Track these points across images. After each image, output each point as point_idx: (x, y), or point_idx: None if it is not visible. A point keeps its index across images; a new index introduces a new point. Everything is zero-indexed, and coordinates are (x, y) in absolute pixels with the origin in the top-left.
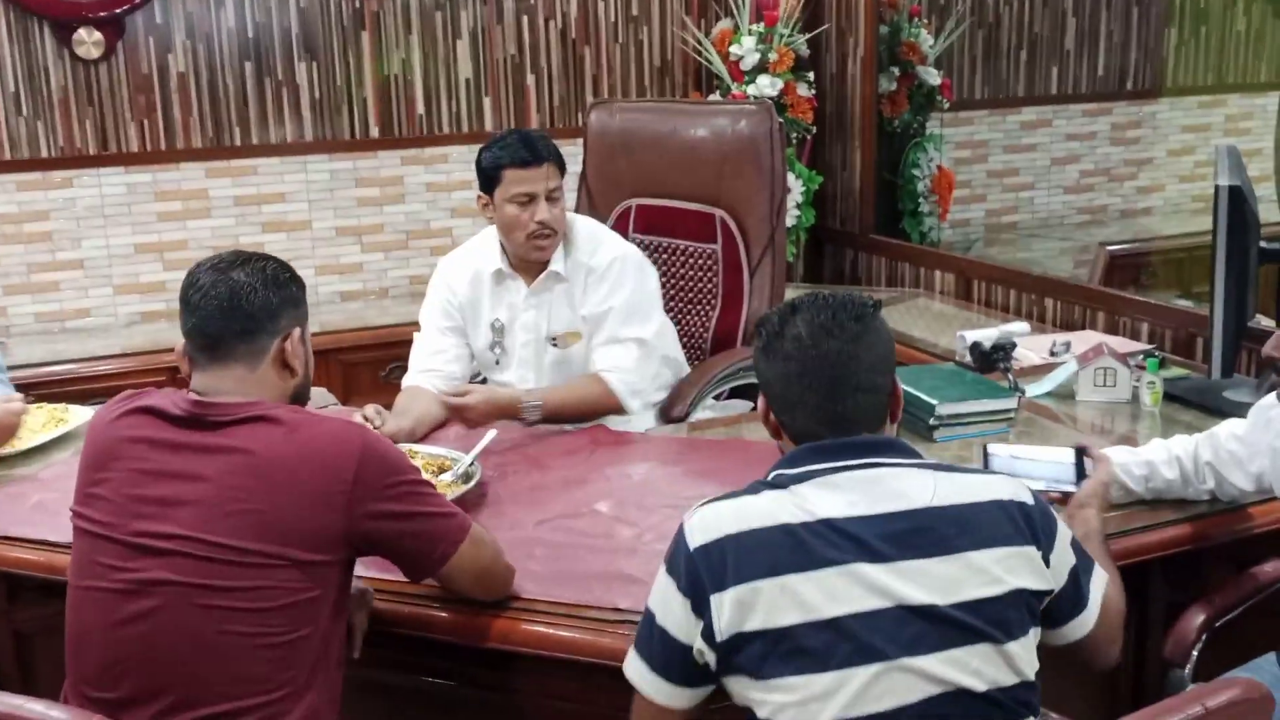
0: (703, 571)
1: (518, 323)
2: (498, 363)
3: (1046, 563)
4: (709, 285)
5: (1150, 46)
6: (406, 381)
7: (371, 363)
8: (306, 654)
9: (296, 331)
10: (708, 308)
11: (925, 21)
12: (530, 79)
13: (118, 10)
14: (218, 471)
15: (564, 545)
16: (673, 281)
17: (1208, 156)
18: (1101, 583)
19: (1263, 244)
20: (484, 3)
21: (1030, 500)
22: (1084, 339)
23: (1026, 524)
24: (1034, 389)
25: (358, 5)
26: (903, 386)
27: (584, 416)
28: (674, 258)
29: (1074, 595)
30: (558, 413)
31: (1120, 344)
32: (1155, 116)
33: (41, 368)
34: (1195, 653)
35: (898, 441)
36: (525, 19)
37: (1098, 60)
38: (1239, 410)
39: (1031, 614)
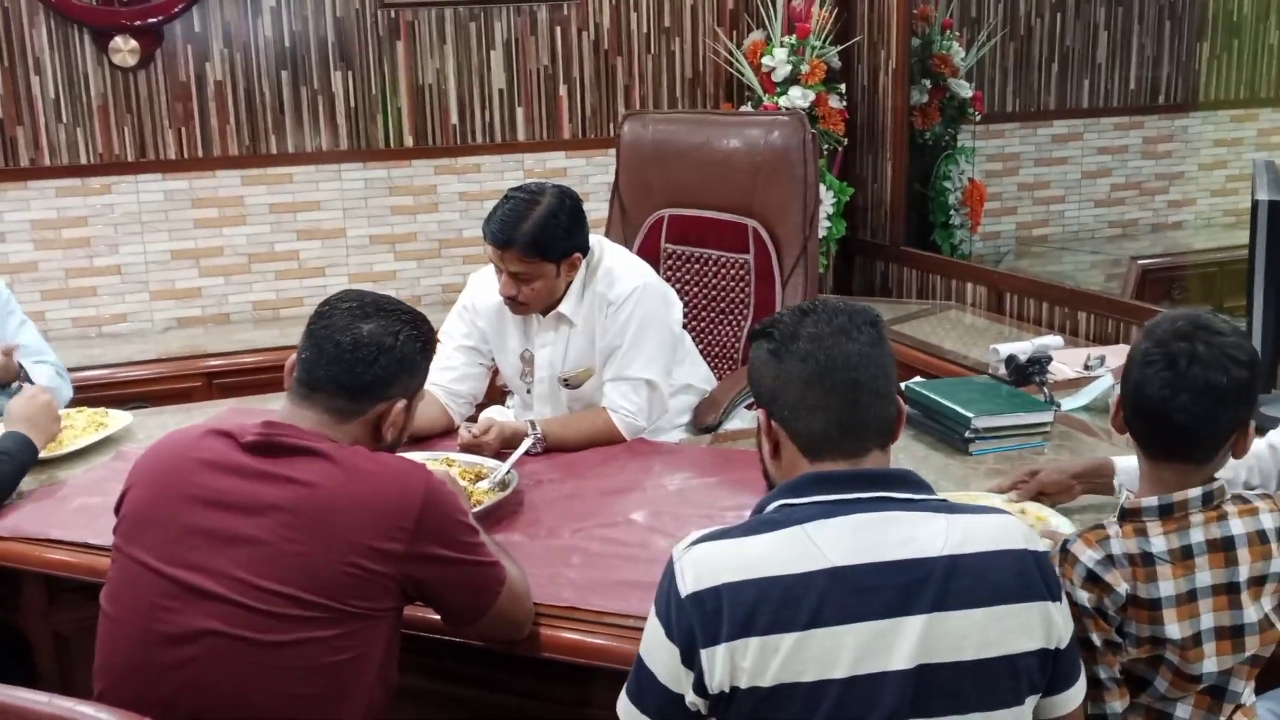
0: (695, 622)
1: (536, 358)
2: (529, 391)
3: (1057, 616)
4: (741, 295)
5: (1182, 60)
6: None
7: None
8: (349, 713)
9: (402, 403)
10: (739, 317)
11: (957, 34)
12: (563, 89)
13: (155, 19)
14: (275, 507)
15: (600, 554)
16: (705, 291)
17: (1240, 171)
18: (1083, 691)
19: None
20: (518, 14)
21: (1041, 548)
22: (1119, 353)
23: (1040, 576)
24: (1069, 403)
25: (393, 15)
26: (936, 398)
27: (587, 447)
28: (706, 267)
29: (1071, 660)
30: (560, 445)
31: None
32: (1187, 130)
33: (78, 372)
34: None
35: (909, 474)
36: (558, 30)
37: (1129, 73)
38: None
39: (1030, 681)
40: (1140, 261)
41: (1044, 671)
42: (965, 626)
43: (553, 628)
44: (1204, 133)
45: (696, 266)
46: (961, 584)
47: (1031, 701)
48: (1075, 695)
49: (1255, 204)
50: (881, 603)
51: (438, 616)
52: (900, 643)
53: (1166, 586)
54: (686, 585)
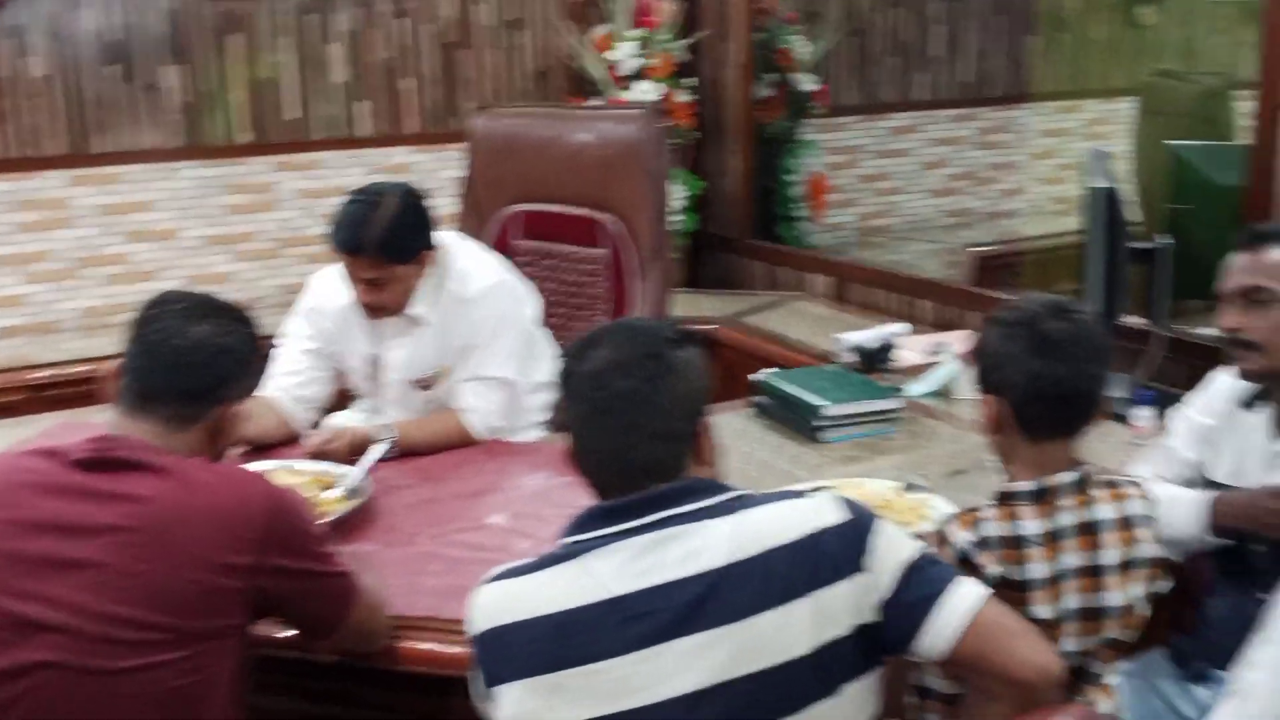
0: (483, 659)
1: (385, 361)
2: (379, 394)
3: (866, 579)
4: (597, 290)
5: (1013, 54)
6: (261, 391)
7: None
8: None
9: (239, 405)
10: (596, 313)
11: (800, 29)
12: (406, 83)
13: None
14: (111, 527)
15: (459, 560)
16: (560, 287)
17: (1068, 160)
18: (973, 593)
19: (1132, 244)
20: (359, 5)
21: (838, 518)
22: (961, 339)
23: (840, 548)
24: (915, 389)
25: (228, 6)
26: (788, 388)
27: (441, 450)
28: (561, 263)
29: (917, 592)
30: (412, 448)
31: None
32: (1017, 121)
33: None
34: None
35: (696, 482)
36: (401, 22)
37: (965, 67)
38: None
39: (846, 666)
40: (974, 249)
41: (863, 648)
42: (760, 633)
43: (410, 639)
44: (1033, 123)
45: (551, 262)
46: (747, 590)
47: (860, 682)
48: (955, 606)
49: (1092, 190)
50: (658, 626)
51: (287, 633)
52: (685, 664)
53: (1036, 569)
54: (476, 625)
